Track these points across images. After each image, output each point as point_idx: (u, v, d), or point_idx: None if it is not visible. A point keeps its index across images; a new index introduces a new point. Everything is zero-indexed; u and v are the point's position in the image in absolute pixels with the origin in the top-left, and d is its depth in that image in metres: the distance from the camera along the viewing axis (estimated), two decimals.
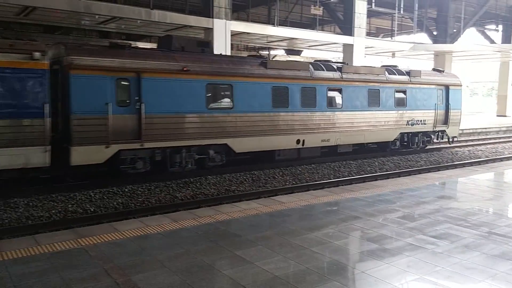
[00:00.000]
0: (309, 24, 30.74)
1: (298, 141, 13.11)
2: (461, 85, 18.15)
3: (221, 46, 20.03)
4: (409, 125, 16.11)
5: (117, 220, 7.65)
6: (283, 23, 26.32)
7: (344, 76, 14.07)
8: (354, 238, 5.86)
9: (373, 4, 26.43)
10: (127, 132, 10.16)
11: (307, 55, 38.12)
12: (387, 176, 11.99)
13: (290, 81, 12.80)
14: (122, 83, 10.16)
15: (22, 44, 9.15)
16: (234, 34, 22.36)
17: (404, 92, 15.89)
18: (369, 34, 29.87)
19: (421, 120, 16.49)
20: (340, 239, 5.65)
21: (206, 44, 12.64)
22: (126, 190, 9.94)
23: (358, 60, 24.62)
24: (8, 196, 9.00)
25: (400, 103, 15.76)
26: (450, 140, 18.01)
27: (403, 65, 18.15)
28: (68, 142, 9.55)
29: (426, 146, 17.53)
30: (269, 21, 27.15)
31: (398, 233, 5.94)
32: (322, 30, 28.52)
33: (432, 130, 17.06)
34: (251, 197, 9.43)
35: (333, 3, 26.15)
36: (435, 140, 17.80)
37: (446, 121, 17.37)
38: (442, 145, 18.86)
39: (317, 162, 13.87)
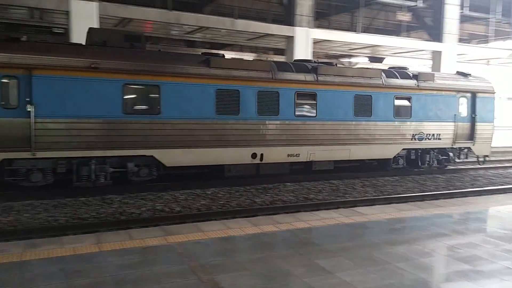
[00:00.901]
0: (394, 30, 29.66)
1: (254, 155, 11.18)
2: (493, 92, 14.72)
3: (302, 54, 20.13)
4: (415, 139, 13.41)
5: (200, 220, 8.02)
6: (366, 30, 25.71)
7: (320, 78, 11.86)
8: (442, 256, 5.52)
9: (466, 9, 24.85)
10: (14, 139, 8.82)
11: (391, 62, 36.79)
12: (479, 193, 11.14)
13: (243, 83, 10.90)
14: (7, 81, 8.84)
15: None
16: (315, 42, 22.34)
17: (409, 99, 13.25)
18: (460, 40, 28.01)
19: (433, 134, 13.66)
20: (426, 256, 5.35)
21: (136, 38, 10.65)
22: (209, 192, 10.36)
23: (448, 68, 23.21)
24: (105, 192, 9.86)
25: (403, 113, 13.18)
26: (480, 159, 14.94)
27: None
28: None
29: (446, 166, 14.58)
30: (351, 28, 26.71)
31: (493, 254, 5.47)
32: (408, 36, 27.36)
33: (450, 146, 14.11)
34: (330, 207, 9.31)
35: (421, 8, 24.96)
36: (456, 160, 14.71)
37: (471, 137, 14.33)
38: None
39: (401, 175, 13.31)
